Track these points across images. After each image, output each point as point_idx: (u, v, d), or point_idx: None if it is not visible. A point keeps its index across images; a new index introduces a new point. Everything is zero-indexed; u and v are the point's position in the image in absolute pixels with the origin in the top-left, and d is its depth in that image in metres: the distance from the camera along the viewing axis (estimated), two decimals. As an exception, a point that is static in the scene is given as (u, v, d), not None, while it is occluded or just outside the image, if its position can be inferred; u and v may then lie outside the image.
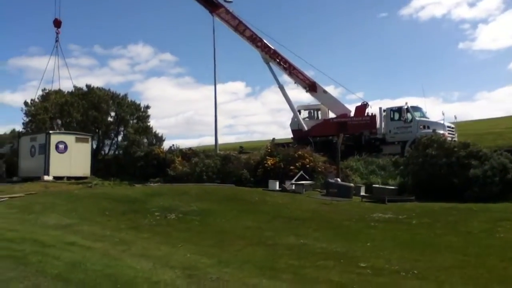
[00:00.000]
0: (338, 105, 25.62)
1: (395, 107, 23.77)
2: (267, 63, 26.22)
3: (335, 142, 21.11)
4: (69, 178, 22.79)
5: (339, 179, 16.82)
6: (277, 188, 16.97)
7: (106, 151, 32.81)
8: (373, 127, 23.87)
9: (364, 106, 24.98)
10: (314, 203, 14.04)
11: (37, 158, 23.66)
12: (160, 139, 32.91)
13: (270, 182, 17.29)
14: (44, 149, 23.19)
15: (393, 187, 16.13)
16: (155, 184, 19.74)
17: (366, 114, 24.54)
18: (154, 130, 33.51)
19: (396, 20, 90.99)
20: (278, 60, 25.86)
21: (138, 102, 34.81)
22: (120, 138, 32.95)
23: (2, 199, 14.50)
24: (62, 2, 24.86)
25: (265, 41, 25.91)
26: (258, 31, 26.16)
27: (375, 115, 24.11)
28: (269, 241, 8.87)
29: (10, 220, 11.30)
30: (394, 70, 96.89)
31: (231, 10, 25.73)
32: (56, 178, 22.42)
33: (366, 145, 23.02)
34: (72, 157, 23.69)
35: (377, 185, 16.37)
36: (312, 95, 26.05)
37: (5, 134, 27.72)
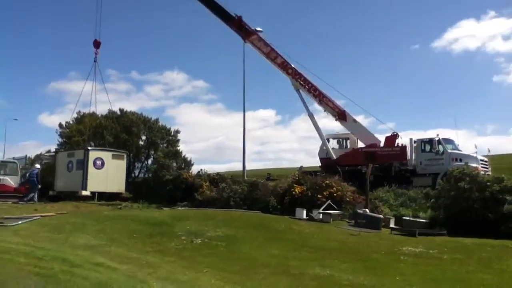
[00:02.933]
0: (368, 134, 25.38)
1: (426, 139, 23.39)
2: (297, 90, 26.35)
3: (364, 172, 20.82)
4: (105, 193, 23.36)
5: (367, 210, 16.51)
6: (304, 216, 16.79)
7: (137, 174, 33.41)
8: (403, 158, 23.49)
9: (394, 136, 24.67)
10: (341, 234, 13.80)
11: (75, 174, 24.37)
12: (188, 164, 33.37)
13: (297, 210, 17.12)
14: (82, 165, 23.88)
15: (423, 220, 15.70)
16: (183, 208, 19.87)
17: (396, 145, 24.21)
18: (183, 155, 34.07)
19: (428, 52, 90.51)
20: (308, 88, 25.96)
21: (169, 126, 35.60)
22: (150, 161, 33.60)
23: (35, 218, 14.88)
24: (102, 29, 25.99)
25: (295, 68, 26.17)
26: (288, 58, 26.48)
27: (405, 146, 23.76)
28: (294, 271, 8.73)
29: (41, 238, 11.58)
30: (426, 102, 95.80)
31: (263, 38, 26.20)
32: (94, 193, 23.05)
33: (396, 176, 22.61)
34: (108, 173, 24.36)
35: (407, 218, 15.96)
36: (341, 123, 25.94)
37: (41, 154, 28.71)
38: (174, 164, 31.44)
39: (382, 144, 24.73)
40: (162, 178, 25.32)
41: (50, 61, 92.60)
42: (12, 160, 29.16)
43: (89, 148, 25.32)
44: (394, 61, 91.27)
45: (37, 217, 15.01)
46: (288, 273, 8.51)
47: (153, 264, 9.05)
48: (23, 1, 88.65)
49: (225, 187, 21.39)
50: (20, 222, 13.70)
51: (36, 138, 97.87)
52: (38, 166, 23.90)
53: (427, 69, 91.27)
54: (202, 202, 20.98)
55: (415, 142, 23.51)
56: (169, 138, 35.06)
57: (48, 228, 13.16)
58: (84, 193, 23.26)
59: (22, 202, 20.96)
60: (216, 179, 23.53)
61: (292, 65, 26.22)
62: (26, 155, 31.93)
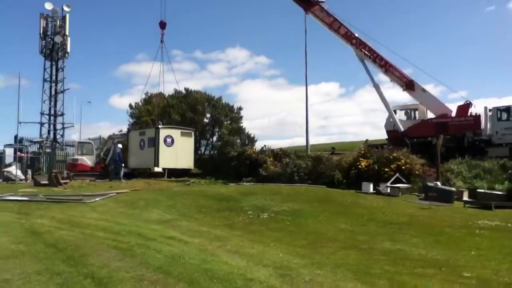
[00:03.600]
0: (438, 104, 24.17)
1: (503, 107, 21.92)
2: (362, 61, 25.51)
3: (434, 144, 19.91)
4: (175, 169, 24.32)
5: (439, 183, 15.84)
6: (371, 190, 16.44)
7: (202, 151, 34.30)
8: (477, 127, 22.21)
9: (467, 105, 23.32)
10: (411, 207, 13.36)
11: (147, 151, 25.59)
12: (252, 140, 33.71)
13: (364, 184, 16.79)
14: (154, 143, 24.97)
15: (500, 193, 14.81)
16: (248, 184, 20.20)
17: (469, 114, 22.90)
18: (246, 131, 34.45)
19: (504, 14, 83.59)
20: (373, 57, 25.04)
21: (232, 104, 36.01)
22: (215, 138, 34.31)
23: (111, 194, 15.80)
24: (167, 10, 26.61)
25: (359, 37, 25.27)
26: (352, 28, 25.61)
27: (479, 115, 22.43)
28: (363, 245, 8.59)
29: (116, 214, 12.29)
30: (501, 67, 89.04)
31: (325, 8, 25.48)
32: (164, 169, 24.08)
33: (469, 147, 21.43)
34: (178, 150, 25.39)
35: (482, 190, 15.14)
36: (409, 94, 24.88)
37: (113, 134, 30.28)
38: (238, 141, 31.92)
39: (453, 114, 23.48)
40: (227, 154, 25.84)
41: (119, 45, 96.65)
42: (88, 141, 31.04)
43: (160, 126, 26.32)
44: (467, 25, 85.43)
45: (112, 194, 15.93)
46: (356, 248, 8.39)
47: (222, 237, 9.30)
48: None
49: (289, 162, 21.43)
50: (97, 199, 14.62)
51: (109, 119, 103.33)
52: (120, 146, 25.25)
53: (502, 31, 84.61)
54: (267, 177, 21.18)
55: (490, 110, 22.10)
56: (233, 115, 35.53)
57: (123, 204, 13.93)
58: (156, 169, 24.43)
59: (115, 179, 22.38)
60: (279, 155, 23.61)
61: (356, 35, 25.37)
62: (100, 136, 33.86)
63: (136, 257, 7.07)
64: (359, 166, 18.59)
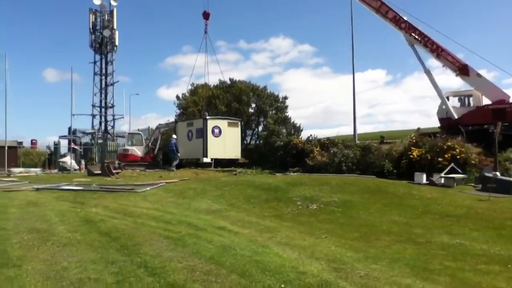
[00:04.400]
0: (495, 89, 22.81)
1: None
2: (412, 46, 24.44)
3: (491, 132, 18.83)
4: (223, 160, 24.59)
5: (497, 173, 14.99)
6: (424, 181, 15.79)
7: (248, 141, 34.38)
8: (538, 114, 20.82)
9: (528, 90, 21.90)
10: (468, 199, 12.71)
11: (195, 142, 25.99)
12: (298, 129, 33.42)
13: (416, 174, 16.15)
14: (202, 133, 25.32)
15: None
16: (295, 174, 20.00)
17: (529, 99, 21.51)
18: (292, 120, 34.16)
19: None
20: (424, 42, 23.94)
21: (276, 93, 35.80)
22: (260, 128, 34.27)
23: (161, 184, 16.10)
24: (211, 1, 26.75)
25: (409, 21, 24.25)
26: (401, 11, 24.60)
27: (541, 100, 21.00)
28: (419, 239, 8.22)
29: (167, 203, 12.49)
30: None
31: (372, -9, 24.61)
32: (213, 160, 24.41)
33: (529, 135, 20.13)
34: (225, 141, 25.62)
35: (546, 181, 14.18)
36: (463, 79, 23.62)
37: (159, 124, 30.97)
38: (284, 130, 31.74)
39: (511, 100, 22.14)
40: (273, 144, 25.70)
41: (166, 37, 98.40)
42: (137, 132, 31.86)
43: (207, 117, 26.58)
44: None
45: (162, 183, 16.24)
46: (413, 241, 8.04)
47: (272, 228, 9.20)
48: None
49: (336, 152, 20.98)
50: (148, 188, 14.94)
51: (156, 110, 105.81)
52: (174, 136, 25.84)
53: None
54: (313, 167, 20.86)
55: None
56: (278, 104, 35.34)
57: (172, 193, 14.14)
58: (205, 160, 24.72)
59: (172, 169, 23.25)
60: (326, 144, 23.19)
61: (405, 18, 24.35)
62: (148, 127, 34.68)
63: (188, 247, 7.11)
64: (411, 156, 17.88)
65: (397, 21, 24.46)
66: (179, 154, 24.85)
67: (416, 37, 24.05)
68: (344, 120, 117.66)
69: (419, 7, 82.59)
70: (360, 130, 36.53)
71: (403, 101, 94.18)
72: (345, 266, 6.28)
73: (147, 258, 6.41)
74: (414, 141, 19.08)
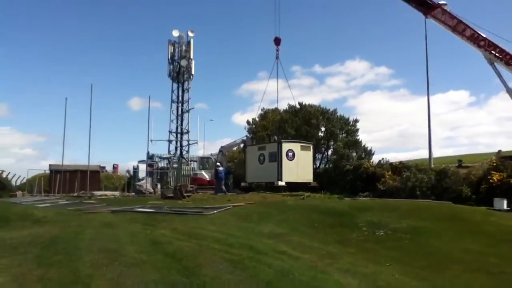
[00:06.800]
0: None
1: None
2: (492, 64, 23.07)
3: None
4: (296, 183, 24.56)
5: None
6: (505, 207, 14.63)
7: (317, 165, 34.04)
8: None
9: None
10: (555, 228, 11.58)
11: (267, 166, 26.17)
12: (369, 153, 32.52)
13: (496, 200, 15.02)
14: (275, 157, 25.56)
15: None
16: (364, 198, 19.43)
17: None
18: (363, 144, 33.38)
19: None
20: (505, 59, 22.50)
21: (348, 116, 35.32)
22: (330, 152, 33.82)
23: (228, 207, 16.38)
24: (285, 27, 27.35)
25: (488, 39, 22.99)
26: (479, 28, 23.40)
27: None
28: (493, 269, 7.61)
29: (232, 226, 12.66)
30: None
31: (448, 9, 23.74)
32: (287, 183, 24.48)
33: None
34: (299, 164, 25.56)
35: None
36: (550, 98, 21.85)
37: (221, 147, 31.82)
38: (354, 154, 31.03)
39: None
40: (342, 168, 25.23)
41: (242, 64, 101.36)
42: (208, 156, 32.85)
43: (282, 141, 26.80)
44: None
45: (229, 207, 16.49)
46: (485, 271, 7.47)
47: (334, 254, 9.00)
48: (218, 8, 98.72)
49: (409, 176, 20.14)
50: (215, 212, 15.25)
51: (231, 135, 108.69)
52: (218, 164, 26.90)
53: None
54: (385, 192, 20.16)
55: None
56: (348, 127, 34.73)
57: (238, 217, 14.32)
58: (280, 183, 24.82)
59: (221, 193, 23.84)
60: (399, 168, 22.35)
61: (484, 35, 23.13)
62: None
63: (247, 270, 7.16)
64: (491, 180, 16.73)
65: (475, 39, 23.25)
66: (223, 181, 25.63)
67: (497, 54, 22.71)
68: (421, 144, 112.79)
69: (498, 24, 78.05)
70: (440, 153, 34.89)
71: (488, 122, 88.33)
72: (407, 296, 5.98)
73: (206, 280, 6.55)
74: (494, 164, 17.87)
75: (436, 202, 16.61)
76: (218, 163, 27.18)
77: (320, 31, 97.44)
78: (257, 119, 37.76)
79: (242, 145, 31.90)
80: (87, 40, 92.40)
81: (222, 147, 31.84)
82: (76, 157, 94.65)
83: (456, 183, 18.11)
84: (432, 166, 22.44)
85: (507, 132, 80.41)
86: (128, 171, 35.87)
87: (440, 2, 23.80)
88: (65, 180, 30.98)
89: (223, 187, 25.34)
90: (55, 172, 31.65)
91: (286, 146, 25.75)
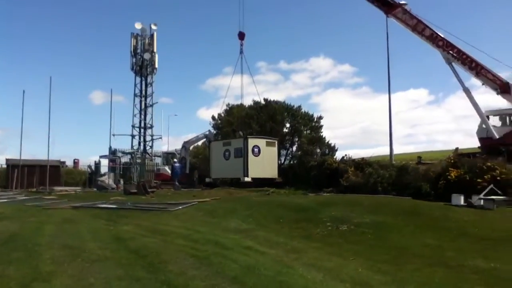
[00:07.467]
0: (539, 108, 21.96)
1: None
2: (449, 64, 23.91)
3: (535, 152, 18.05)
4: (261, 179, 24.64)
5: (541, 195, 14.27)
6: (462, 203, 15.18)
7: (282, 161, 34.29)
8: None
9: None
10: (508, 222, 12.10)
11: (233, 161, 26.06)
12: (332, 149, 33.02)
13: (454, 196, 15.57)
14: (241, 153, 25.46)
15: None
16: (328, 194, 19.74)
17: None
18: (327, 140, 33.87)
19: None
20: (462, 60, 23.37)
21: (312, 113, 35.72)
22: (294, 148, 34.14)
23: (193, 203, 16.28)
24: (253, 23, 27.40)
25: (447, 39, 23.80)
26: (438, 29, 24.20)
27: None
28: (451, 262, 7.90)
29: (197, 222, 12.60)
30: None
31: (408, 9, 24.39)
32: (253, 179, 24.54)
33: None
34: (264, 160, 25.62)
35: None
36: (504, 97, 22.84)
37: (184, 142, 31.68)
38: (318, 150, 31.44)
39: (558, 119, 21.18)
40: (306, 164, 25.49)
41: (206, 59, 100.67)
42: (172, 152, 32.54)
43: (248, 136, 26.78)
44: None
45: (194, 203, 16.41)
46: (444, 265, 7.74)
47: (299, 249, 9.11)
48: (182, 2, 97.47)
49: (371, 172, 20.59)
50: (180, 207, 15.14)
51: (196, 130, 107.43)
52: (176, 161, 26.91)
53: None
54: (348, 188, 20.51)
55: None
56: (312, 124, 35.14)
57: (203, 212, 14.27)
58: (246, 179, 24.79)
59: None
60: (361, 164, 22.80)
61: (442, 36, 23.93)
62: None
63: (213, 266, 7.14)
64: (449, 177, 17.27)
65: (434, 39, 24.05)
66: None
67: (454, 54, 23.55)
68: (383, 141, 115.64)
69: (457, 25, 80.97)
70: (400, 150, 35.89)
71: (446, 120, 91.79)
72: (370, 289, 6.12)
73: (171, 276, 6.48)
74: (452, 161, 18.46)
75: (397, 197, 17.07)
76: (175, 160, 27.34)
77: (285, 27, 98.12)
78: (222, 114, 37.66)
79: (205, 140, 31.77)
80: (46, 30, 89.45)
81: (185, 142, 31.57)
82: (35, 151, 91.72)
83: (416, 179, 18.60)
84: (393, 162, 23.04)
85: (464, 129, 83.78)
86: (89, 166, 34.99)
87: (401, 2, 24.45)
88: (23, 175, 29.91)
89: (177, 183, 25.58)
90: (13, 166, 30.48)
91: (252, 142, 25.77)
